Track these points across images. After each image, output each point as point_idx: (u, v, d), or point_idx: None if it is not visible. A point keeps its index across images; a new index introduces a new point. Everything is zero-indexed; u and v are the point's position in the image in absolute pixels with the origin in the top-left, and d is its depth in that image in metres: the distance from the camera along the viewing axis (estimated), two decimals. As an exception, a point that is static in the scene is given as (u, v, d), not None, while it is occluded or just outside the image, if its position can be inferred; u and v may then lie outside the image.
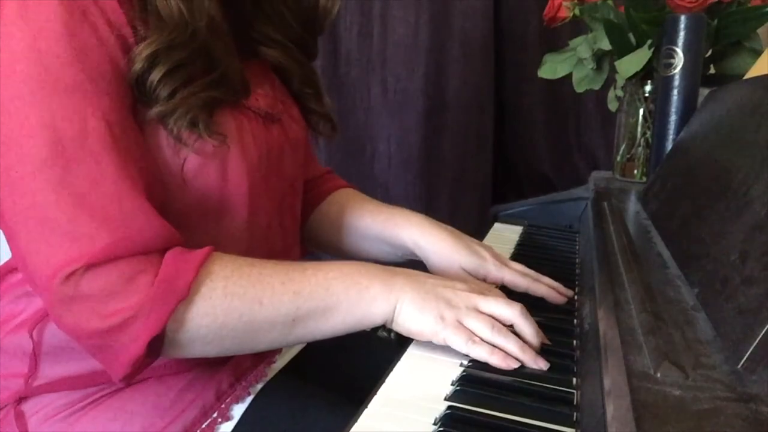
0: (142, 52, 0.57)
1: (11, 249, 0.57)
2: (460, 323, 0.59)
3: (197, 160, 0.61)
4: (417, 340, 0.63)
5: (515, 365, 0.57)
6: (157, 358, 0.56)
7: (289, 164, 0.74)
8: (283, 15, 0.76)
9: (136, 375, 0.56)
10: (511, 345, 0.58)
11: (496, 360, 0.57)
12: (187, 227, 0.61)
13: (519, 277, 0.74)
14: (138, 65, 0.57)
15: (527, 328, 0.60)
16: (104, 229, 0.53)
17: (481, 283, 0.69)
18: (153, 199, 0.58)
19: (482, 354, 0.58)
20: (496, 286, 0.73)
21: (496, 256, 0.77)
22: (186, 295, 0.54)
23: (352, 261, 0.63)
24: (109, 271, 0.53)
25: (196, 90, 0.59)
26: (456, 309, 0.60)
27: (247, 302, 0.56)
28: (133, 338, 0.53)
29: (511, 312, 0.60)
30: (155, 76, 0.57)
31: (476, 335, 0.59)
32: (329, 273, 0.60)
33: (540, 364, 0.58)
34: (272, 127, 0.71)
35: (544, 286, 0.74)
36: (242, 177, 0.64)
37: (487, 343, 0.58)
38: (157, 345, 0.55)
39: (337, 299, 0.59)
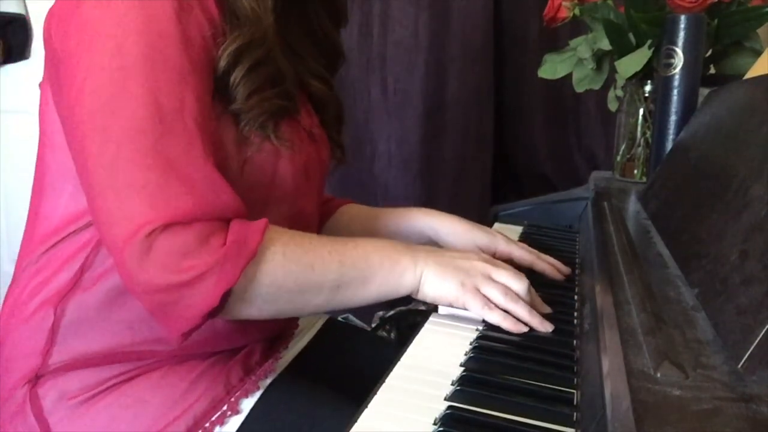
0: (228, 48, 0.63)
1: (89, 202, 0.61)
2: (478, 290, 0.67)
3: (257, 159, 0.67)
4: (417, 341, 0.64)
5: (524, 329, 0.65)
6: (216, 315, 0.59)
7: (319, 179, 0.81)
8: (322, 18, 0.83)
9: (193, 332, 0.59)
10: (521, 309, 0.65)
11: (508, 324, 0.64)
12: None
13: (525, 253, 0.83)
14: (224, 62, 0.63)
15: (534, 298, 0.68)
16: (190, 192, 0.58)
17: (491, 257, 0.74)
18: None
19: (496, 318, 0.65)
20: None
21: (504, 236, 0.85)
22: (254, 256, 0.59)
23: (381, 239, 0.71)
24: (186, 231, 0.57)
25: (269, 96, 0.67)
26: (474, 277, 0.67)
27: (302, 267, 0.62)
28: (206, 292, 0.57)
29: (519, 285, 0.67)
30: (238, 73, 0.64)
31: (491, 301, 0.66)
32: (367, 246, 0.67)
33: (546, 327, 0.65)
34: (312, 144, 0.77)
35: (546, 264, 0.82)
36: (288, 178, 0.71)
37: (500, 307, 0.66)
38: (226, 300, 0.58)
39: (374, 270, 0.66)
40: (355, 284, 0.65)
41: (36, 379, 0.67)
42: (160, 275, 0.56)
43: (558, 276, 0.81)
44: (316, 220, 0.84)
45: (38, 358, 0.67)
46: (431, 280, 0.67)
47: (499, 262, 0.72)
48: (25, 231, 0.71)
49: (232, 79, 0.64)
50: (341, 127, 0.89)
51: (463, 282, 0.67)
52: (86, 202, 0.61)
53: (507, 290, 0.67)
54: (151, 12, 0.59)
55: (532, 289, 0.69)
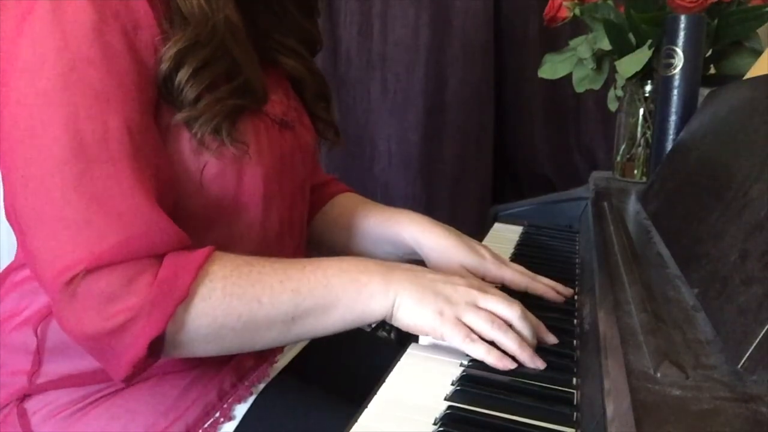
0: (169, 50, 0.58)
1: (20, 244, 0.57)
2: (459, 319, 0.59)
3: (216, 165, 0.62)
4: (417, 341, 0.63)
5: (511, 366, 0.57)
6: (158, 358, 0.57)
7: (300, 169, 0.75)
8: (288, 9, 0.78)
9: (137, 375, 0.56)
10: (509, 342, 0.58)
11: (492, 359, 0.57)
12: (200, 228, 0.61)
13: (518, 276, 0.75)
14: (165, 65, 0.58)
15: (525, 329, 0.60)
16: (114, 228, 0.53)
17: (479, 280, 0.68)
18: (167, 201, 0.59)
19: (479, 352, 0.58)
20: (496, 286, 0.72)
21: (496, 256, 0.78)
22: (185, 297, 0.54)
23: (351, 257, 0.64)
24: (111, 273, 0.53)
25: (222, 96, 0.61)
26: (455, 305, 0.60)
27: (246, 302, 0.57)
28: (134, 340, 0.53)
29: (510, 312, 0.60)
30: (182, 75, 0.59)
31: (475, 332, 0.59)
32: (328, 270, 0.60)
33: (537, 363, 0.57)
34: (286, 133, 0.72)
35: (543, 285, 0.74)
36: (258, 182, 0.65)
37: (486, 339, 0.58)
38: (158, 346, 0.55)
39: (336, 296, 0.59)
40: (314, 314, 0.59)
41: (23, 397, 0.66)
42: (89, 321, 0.53)
43: (558, 298, 0.74)
44: (305, 208, 0.80)
45: (25, 380, 0.66)
46: (406, 306, 0.59)
47: (488, 285, 0.65)
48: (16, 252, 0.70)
49: (176, 82, 0.58)
50: (328, 105, 0.84)
51: (441, 311, 0.59)
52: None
53: (494, 318, 0.59)
54: (67, 28, 0.54)
55: (530, 315, 0.61)
